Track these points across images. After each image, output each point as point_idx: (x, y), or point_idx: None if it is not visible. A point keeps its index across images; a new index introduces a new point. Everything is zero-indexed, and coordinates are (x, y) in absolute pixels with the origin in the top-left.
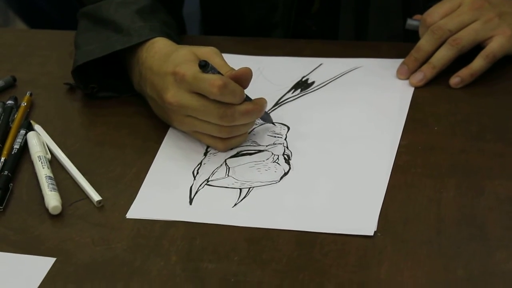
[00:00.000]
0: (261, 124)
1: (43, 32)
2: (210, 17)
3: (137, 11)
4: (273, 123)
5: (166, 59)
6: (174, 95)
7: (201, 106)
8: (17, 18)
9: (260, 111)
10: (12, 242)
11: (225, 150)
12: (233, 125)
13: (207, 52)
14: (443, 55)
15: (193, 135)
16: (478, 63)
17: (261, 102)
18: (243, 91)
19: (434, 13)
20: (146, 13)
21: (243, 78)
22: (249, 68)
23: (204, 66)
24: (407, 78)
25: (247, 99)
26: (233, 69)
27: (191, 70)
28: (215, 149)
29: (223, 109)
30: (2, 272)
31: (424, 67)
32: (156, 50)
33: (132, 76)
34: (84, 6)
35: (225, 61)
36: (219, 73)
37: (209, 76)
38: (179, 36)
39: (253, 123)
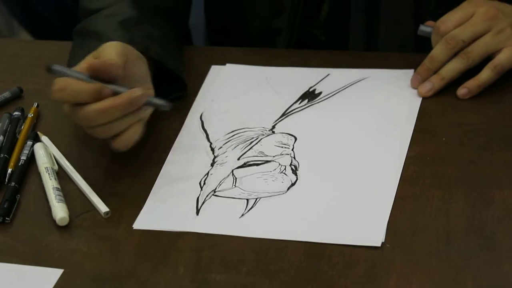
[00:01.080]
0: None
1: (48, 43)
2: (214, 24)
3: (121, 22)
4: (168, 108)
5: None
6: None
7: (67, 111)
8: (21, 29)
9: (123, 105)
10: (20, 253)
11: (120, 149)
12: (95, 124)
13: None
14: (454, 68)
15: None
16: (486, 74)
17: (127, 95)
18: (93, 88)
19: (447, 22)
20: (129, 25)
21: (100, 70)
22: (104, 61)
23: (48, 69)
24: None
25: (117, 93)
26: (91, 63)
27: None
28: (113, 150)
29: (78, 111)
30: (10, 283)
31: (433, 78)
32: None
33: None
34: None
35: (112, 53)
36: (69, 74)
37: (54, 82)
38: (166, 50)
39: (136, 116)
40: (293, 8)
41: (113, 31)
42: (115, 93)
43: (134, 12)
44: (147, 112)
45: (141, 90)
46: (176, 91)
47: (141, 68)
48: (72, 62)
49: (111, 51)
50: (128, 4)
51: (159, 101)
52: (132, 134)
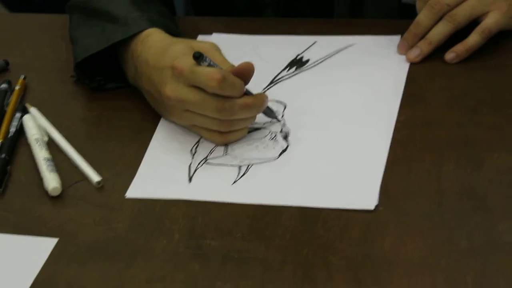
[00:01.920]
0: (259, 128)
1: (33, 16)
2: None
3: (132, 1)
4: (277, 118)
5: (163, 52)
6: (172, 89)
7: (200, 100)
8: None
9: (260, 106)
10: (13, 224)
11: (223, 144)
12: (232, 119)
13: (206, 47)
14: (440, 31)
15: (192, 129)
16: (473, 39)
17: (262, 96)
18: (243, 85)
19: None
20: (140, 3)
21: (244, 73)
22: (250, 63)
23: (199, 57)
24: None
25: (248, 93)
26: (233, 65)
27: (189, 63)
28: (214, 143)
29: (222, 103)
30: (5, 253)
31: (421, 43)
32: (151, 43)
33: (126, 70)
34: None
35: (224, 57)
36: (216, 65)
37: (207, 70)
38: (176, 24)
39: (253, 118)
40: None
41: (128, 12)
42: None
43: None
44: None
45: (265, 94)
46: None
47: None
48: (80, 41)
49: (220, 54)
50: None
51: (269, 110)
52: (241, 133)
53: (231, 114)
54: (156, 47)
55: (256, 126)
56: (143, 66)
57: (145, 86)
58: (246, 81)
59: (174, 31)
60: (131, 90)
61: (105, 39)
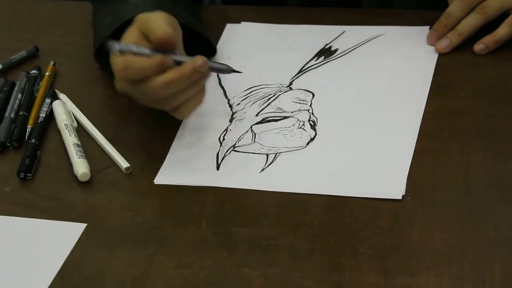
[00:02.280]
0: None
1: (61, 3)
2: None
3: None
4: (234, 71)
5: None
6: (115, 82)
7: (130, 88)
8: None
9: (189, 75)
10: (42, 208)
11: (184, 117)
12: (161, 97)
13: (144, 19)
14: (470, 23)
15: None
16: (503, 30)
17: (190, 64)
18: (157, 61)
19: None
20: None
21: (166, 42)
22: (166, 31)
23: (108, 48)
24: None
25: (179, 62)
26: (167, 32)
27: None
28: (177, 117)
29: (142, 86)
30: (35, 237)
31: (451, 34)
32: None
33: None
34: None
35: (161, 24)
36: (130, 49)
37: (113, 61)
38: (190, 14)
39: (197, 85)
40: None
41: None
42: (177, 63)
43: None
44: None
45: (202, 58)
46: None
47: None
48: (100, 27)
49: (161, 23)
50: None
51: (220, 66)
52: (195, 103)
53: (156, 94)
54: None
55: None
56: None
57: None
58: (172, 50)
59: (184, 19)
60: None
61: (116, 21)
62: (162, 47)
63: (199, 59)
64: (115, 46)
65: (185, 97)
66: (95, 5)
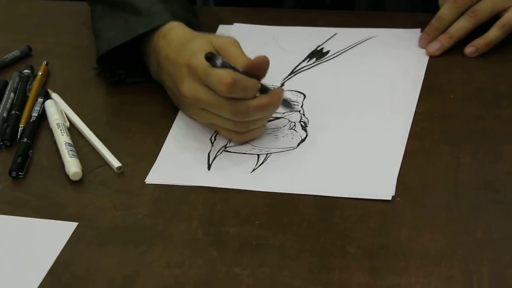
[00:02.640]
0: (277, 118)
1: (55, 3)
2: None
3: None
4: (295, 110)
5: (183, 48)
6: (188, 87)
7: (214, 101)
8: None
9: (276, 104)
10: (34, 207)
11: (241, 142)
12: (247, 120)
13: (224, 42)
14: (462, 26)
15: (210, 127)
16: (493, 33)
17: (277, 93)
18: (256, 85)
19: None
20: None
21: (259, 67)
22: (265, 56)
23: (211, 58)
24: None
25: (263, 89)
26: (250, 59)
27: (203, 62)
28: (232, 141)
29: (236, 105)
30: (25, 236)
31: (442, 37)
32: (172, 37)
33: (149, 64)
34: None
35: (242, 51)
36: (230, 66)
37: (218, 73)
38: (198, 19)
39: (270, 115)
40: None
41: (151, 4)
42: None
43: None
44: None
45: (281, 89)
46: None
47: None
48: (107, 33)
49: (238, 48)
50: None
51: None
52: (260, 131)
53: (246, 116)
54: (176, 42)
55: (275, 115)
56: (164, 61)
57: (166, 81)
58: (262, 76)
59: (196, 26)
60: (153, 81)
61: (128, 32)
62: (255, 71)
63: (280, 90)
64: (219, 59)
65: (260, 124)
66: (98, 8)
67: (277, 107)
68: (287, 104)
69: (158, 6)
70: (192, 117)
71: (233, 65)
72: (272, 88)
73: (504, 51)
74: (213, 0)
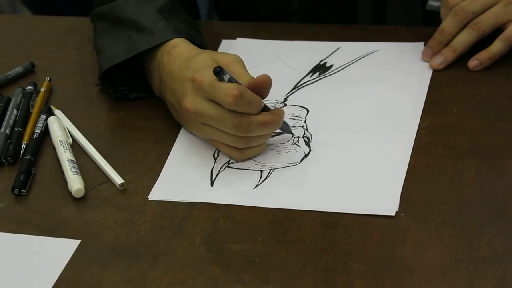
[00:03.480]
0: (279, 134)
1: (59, 19)
2: (223, 6)
3: (158, 10)
4: (292, 134)
5: (187, 64)
6: (191, 102)
7: (217, 115)
8: (24, 9)
9: (278, 123)
10: (37, 225)
11: (242, 160)
12: (249, 135)
13: (228, 59)
14: (464, 39)
15: (210, 143)
16: (497, 47)
17: (279, 112)
18: (261, 101)
19: None
20: (167, 12)
21: (262, 86)
22: (268, 76)
23: (219, 72)
24: None
25: (265, 108)
26: (253, 77)
27: (209, 77)
28: (232, 159)
29: (239, 119)
30: (28, 254)
31: (445, 51)
32: (177, 54)
33: (151, 81)
34: (96, 7)
35: (246, 69)
36: (237, 81)
37: (225, 85)
38: (201, 34)
39: (270, 134)
40: None
41: (154, 21)
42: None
43: None
44: None
45: (283, 110)
46: None
47: None
48: (110, 51)
49: (242, 66)
50: None
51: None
52: (260, 149)
53: (248, 131)
54: (181, 58)
55: (278, 131)
56: (168, 77)
57: (168, 97)
58: (264, 95)
59: (200, 41)
60: (156, 97)
61: (131, 48)
62: (257, 90)
63: (283, 111)
64: (227, 75)
65: (261, 141)
66: (101, 25)
67: (278, 126)
68: (285, 126)
69: (160, 24)
70: (193, 132)
71: (239, 82)
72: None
73: (508, 64)
74: (217, 16)
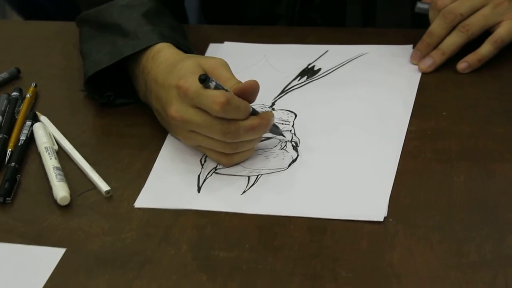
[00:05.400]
0: (268, 138)
1: (45, 23)
2: (210, 9)
3: (143, 14)
4: (282, 135)
5: (171, 70)
6: (177, 109)
7: (204, 121)
8: (14, 13)
9: (266, 126)
10: (21, 233)
11: (230, 165)
12: (237, 141)
13: (214, 64)
14: (453, 41)
15: (198, 149)
16: (486, 49)
17: (268, 116)
18: (248, 106)
19: None
20: (152, 16)
21: (249, 91)
22: (255, 81)
23: (204, 80)
24: None
25: (253, 112)
26: (239, 82)
27: (194, 84)
28: (220, 165)
29: (227, 125)
30: (13, 263)
31: (434, 53)
32: (161, 60)
33: (137, 86)
34: (82, 12)
35: (231, 73)
36: (223, 87)
37: (211, 93)
38: (187, 39)
39: (259, 138)
40: None
41: (138, 25)
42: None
43: (151, 2)
44: None
45: (271, 112)
46: None
47: None
48: (95, 56)
49: (228, 70)
50: None
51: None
52: (248, 154)
53: (236, 137)
54: (165, 64)
55: (266, 135)
56: (152, 83)
57: (154, 104)
58: (251, 100)
59: (185, 46)
60: (142, 102)
61: (116, 53)
62: (244, 96)
63: (271, 114)
64: (213, 82)
65: (249, 146)
66: (86, 30)
67: (267, 130)
68: (275, 129)
69: (145, 28)
70: (179, 139)
71: (225, 88)
72: (262, 111)
73: (497, 66)
74: (204, 21)
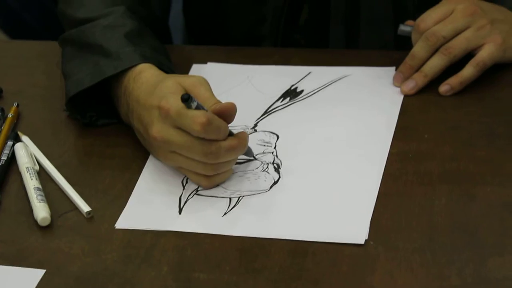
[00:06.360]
0: (245, 161)
1: (29, 43)
2: (195, 29)
3: (126, 34)
4: (254, 158)
5: (152, 90)
6: (158, 130)
7: (185, 142)
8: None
9: (244, 146)
10: (1, 253)
11: (210, 187)
12: (217, 162)
13: (193, 82)
14: (436, 64)
15: (178, 170)
16: (468, 71)
17: (244, 136)
18: (227, 127)
19: (427, 19)
20: (134, 37)
21: (227, 113)
22: (233, 103)
23: (187, 100)
24: None
25: (230, 133)
26: (219, 101)
27: (175, 104)
28: (200, 186)
29: (208, 146)
30: None
31: (416, 76)
32: (143, 80)
33: (118, 107)
34: (65, 32)
35: (211, 92)
36: (203, 108)
37: (192, 113)
38: (169, 60)
39: (236, 158)
40: (276, 16)
41: (120, 46)
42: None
43: (134, 23)
44: None
45: (246, 133)
46: None
47: None
48: (77, 76)
49: (207, 89)
50: (124, 14)
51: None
52: (227, 174)
53: (217, 158)
54: (146, 84)
55: (244, 157)
56: (134, 103)
57: (135, 124)
58: (229, 121)
59: (167, 67)
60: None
61: (98, 74)
62: (224, 116)
63: (247, 134)
64: (194, 102)
65: (228, 167)
66: (68, 50)
67: (244, 150)
68: (249, 151)
69: (127, 49)
70: (160, 160)
71: (205, 108)
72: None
73: (479, 89)
74: (186, 39)
